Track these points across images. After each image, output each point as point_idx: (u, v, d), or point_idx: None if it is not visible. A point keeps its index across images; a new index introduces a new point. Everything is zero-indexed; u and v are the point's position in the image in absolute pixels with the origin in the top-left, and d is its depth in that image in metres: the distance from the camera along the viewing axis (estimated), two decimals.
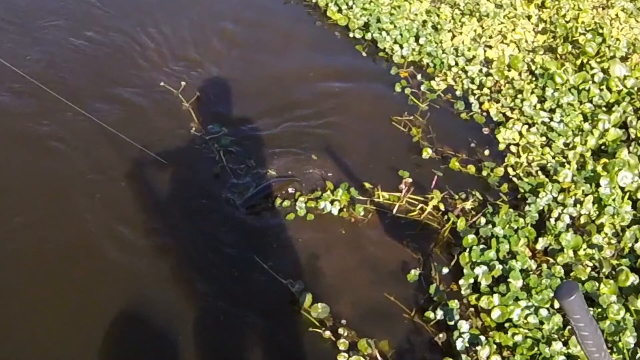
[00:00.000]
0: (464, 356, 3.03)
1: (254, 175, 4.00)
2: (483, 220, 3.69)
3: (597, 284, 3.27)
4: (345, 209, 3.78)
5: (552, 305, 3.21)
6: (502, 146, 4.35)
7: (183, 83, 4.51)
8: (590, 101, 4.59)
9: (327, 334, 3.09)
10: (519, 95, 4.72)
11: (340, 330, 3.10)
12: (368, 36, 5.45)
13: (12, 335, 3.02)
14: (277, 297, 3.26)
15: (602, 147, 4.26)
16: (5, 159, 4.01)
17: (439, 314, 3.22)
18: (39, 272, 3.32)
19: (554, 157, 4.22)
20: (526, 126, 4.45)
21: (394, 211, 3.78)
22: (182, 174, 3.98)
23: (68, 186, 3.81)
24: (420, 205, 3.79)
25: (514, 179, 4.08)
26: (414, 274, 3.39)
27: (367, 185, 3.88)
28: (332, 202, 3.79)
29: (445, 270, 3.43)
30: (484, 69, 5.05)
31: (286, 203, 3.81)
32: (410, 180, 3.81)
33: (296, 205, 3.78)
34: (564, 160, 4.17)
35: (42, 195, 3.76)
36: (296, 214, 3.74)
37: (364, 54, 5.35)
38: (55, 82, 4.48)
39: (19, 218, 3.58)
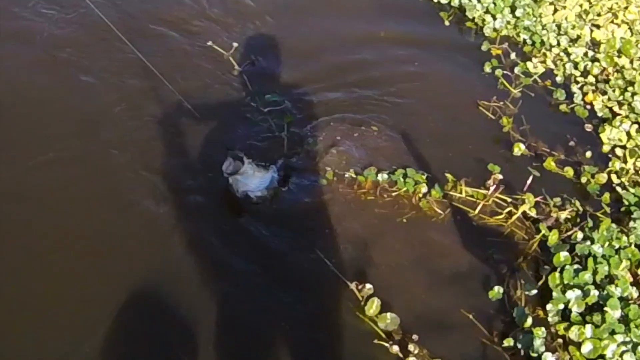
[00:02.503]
0: None
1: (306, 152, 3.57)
2: (580, 235, 3.19)
3: None
4: (418, 195, 3.33)
5: None
6: (606, 148, 3.81)
7: (235, 44, 4.03)
8: None
9: (395, 349, 2.70)
10: (630, 88, 4.10)
11: (411, 347, 2.71)
12: (455, 2, 4.83)
13: (28, 273, 2.79)
14: (335, 296, 2.86)
15: None
16: (36, 88, 3.66)
17: (522, 342, 2.78)
18: (61, 208, 3.06)
19: None
20: (636, 125, 3.86)
21: (477, 211, 3.30)
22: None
23: (100, 124, 3.51)
24: (509, 208, 3.29)
25: (618, 189, 3.55)
26: (497, 291, 2.94)
27: (450, 176, 3.39)
28: (404, 177, 3.35)
29: (533, 291, 2.97)
30: (590, 53, 4.40)
31: (351, 173, 3.38)
32: (500, 176, 3.32)
33: (364, 172, 3.38)
34: None
35: (71, 131, 3.44)
36: (366, 179, 3.35)
37: (447, 23, 4.76)
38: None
39: (45, 153, 3.30)
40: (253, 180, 3.15)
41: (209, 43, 4.02)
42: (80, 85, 3.72)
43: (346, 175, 3.35)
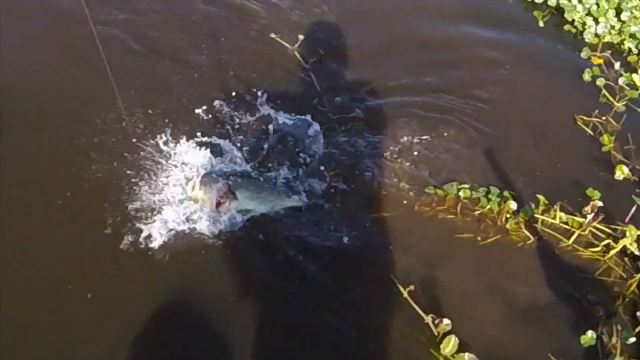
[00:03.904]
0: None
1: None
2: None
3: None
4: (505, 216, 2.98)
5: None
6: None
7: (301, 37, 3.77)
8: None
9: None
10: None
11: None
12: (552, 1, 4.39)
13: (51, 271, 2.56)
14: (406, 329, 2.54)
15: None
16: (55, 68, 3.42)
17: None
18: (73, 200, 2.79)
19: None
20: None
21: (571, 241, 2.93)
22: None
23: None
24: (607, 240, 2.91)
25: None
26: (590, 336, 2.58)
27: (542, 198, 3.02)
28: (487, 196, 3.03)
29: (631, 339, 2.59)
30: None
31: (430, 189, 3.05)
32: (600, 203, 2.93)
33: (444, 187, 3.06)
34: None
35: (82, 113, 3.14)
36: (447, 193, 3.03)
37: (542, 24, 4.35)
38: None
39: (65, 139, 3.03)
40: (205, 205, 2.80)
41: (272, 35, 3.78)
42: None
43: (425, 190, 3.06)
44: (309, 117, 3.35)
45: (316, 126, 3.31)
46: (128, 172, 2.89)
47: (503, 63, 4.00)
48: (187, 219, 2.75)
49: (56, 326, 2.40)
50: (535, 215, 2.97)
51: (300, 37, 3.77)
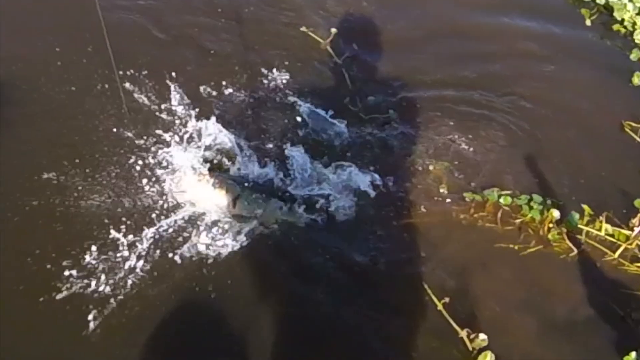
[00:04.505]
0: None
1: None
2: None
3: None
4: (548, 225, 2.83)
5: None
6: None
7: (333, 30, 3.65)
8: None
9: None
10: None
11: None
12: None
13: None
14: (438, 341, 2.43)
15: None
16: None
17: None
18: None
19: None
20: None
21: (617, 254, 2.79)
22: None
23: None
24: None
25: None
26: (634, 357, 2.44)
27: (587, 208, 2.88)
28: (529, 204, 2.89)
29: None
30: None
31: (469, 194, 2.91)
32: None
33: (484, 192, 2.91)
34: None
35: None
36: (486, 199, 2.88)
37: (589, 22, 4.15)
38: None
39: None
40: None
41: (303, 29, 3.66)
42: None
43: (464, 195, 2.93)
44: (338, 118, 3.23)
45: (345, 127, 3.18)
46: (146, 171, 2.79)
47: (547, 60, 3.84)
48: (208, 223, 2.64)
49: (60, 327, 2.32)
50: (579, 226, 2.82)
51: (333, 30, 3.66)
